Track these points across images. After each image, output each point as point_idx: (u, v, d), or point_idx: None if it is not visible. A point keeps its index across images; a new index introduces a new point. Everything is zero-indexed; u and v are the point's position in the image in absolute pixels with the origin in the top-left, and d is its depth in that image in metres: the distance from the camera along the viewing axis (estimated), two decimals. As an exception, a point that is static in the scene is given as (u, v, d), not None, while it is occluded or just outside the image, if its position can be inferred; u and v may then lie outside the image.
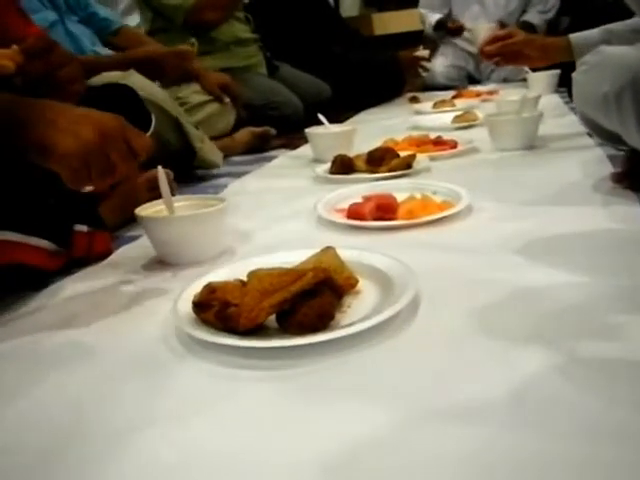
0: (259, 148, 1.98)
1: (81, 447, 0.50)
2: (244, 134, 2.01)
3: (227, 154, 1.81)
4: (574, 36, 1.45)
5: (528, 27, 2.97)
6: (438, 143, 1.58)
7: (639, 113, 0.92)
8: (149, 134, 1.16)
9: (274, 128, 2.07)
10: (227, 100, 1.94)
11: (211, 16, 2.13)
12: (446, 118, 1.97)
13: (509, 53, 1.58)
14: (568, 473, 0.41)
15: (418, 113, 2.24)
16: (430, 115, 2.13)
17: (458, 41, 3.21)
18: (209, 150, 1.60)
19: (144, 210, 0.93)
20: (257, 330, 0.62)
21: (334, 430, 0.48)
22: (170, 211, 0.91)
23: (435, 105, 2.29)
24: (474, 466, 0.42)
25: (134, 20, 2.43)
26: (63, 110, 0.73)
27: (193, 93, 1.90)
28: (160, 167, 0.89)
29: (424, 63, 3.06)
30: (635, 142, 0.98)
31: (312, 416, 0.50)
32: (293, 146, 1.93)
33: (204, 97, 1.91)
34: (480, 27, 2.85)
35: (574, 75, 1.16)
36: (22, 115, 0.70)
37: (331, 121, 1.67)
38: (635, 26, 1.20)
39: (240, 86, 2.03)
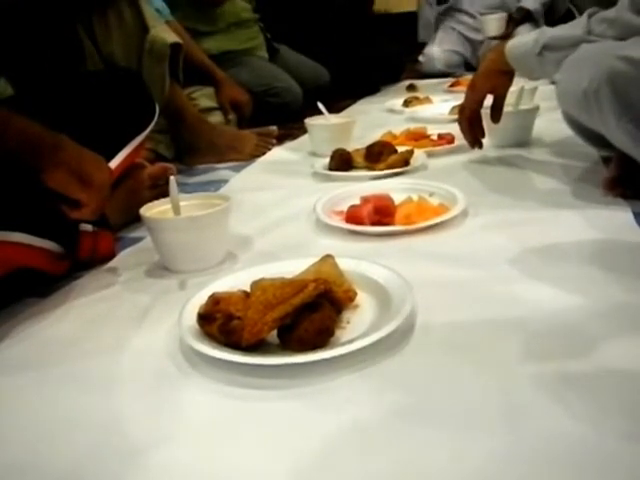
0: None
1: (80, 467, 0.52)
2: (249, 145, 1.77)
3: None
4: (508, 46, 1.23)
5: (525, 13, 2.96)
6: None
7: (617, 109, 0.93)
8: (153, 122, 1.17)
9: (272, 115, 2.06)
10: (231, 117, 1.93)
11: None
12: (443, 109, 1.98)
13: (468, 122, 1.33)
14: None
15: (390, 111, 2.21)
16: (427, 106, 2.14)
17: (457, 25, 3.20)
18: (162, 29, 1.48)
19: (149, 210, 0.93)
20: (259, 345, 0.65)
21: (334, 448, 0.51)
22: (176, 212, 0.92)
23: (406, 103, 2.22)
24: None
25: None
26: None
27: (203, 96, 1.91)
28: (172, 178, 0.92)
29: None
30: (616, 139, 0.99)
31: (313, 436, 0.53)
32: (293, 136, 1.92)
33: (213, 104, 1.92)
34: (490, 18, 2.86)
35: (556, 75, 1.12)
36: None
37: (329, 108, 1.67)
38: (571, 37, 1.14)
39: (250, 108, 2.01)
